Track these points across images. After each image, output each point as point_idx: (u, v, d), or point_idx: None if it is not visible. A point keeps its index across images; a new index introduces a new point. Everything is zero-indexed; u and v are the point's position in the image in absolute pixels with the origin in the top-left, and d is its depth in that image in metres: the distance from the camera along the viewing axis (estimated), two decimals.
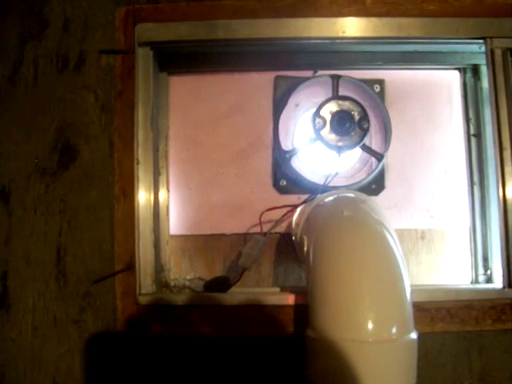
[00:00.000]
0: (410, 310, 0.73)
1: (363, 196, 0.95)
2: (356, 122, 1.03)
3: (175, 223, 1.12)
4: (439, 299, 0.96)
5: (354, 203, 0.91)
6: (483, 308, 0.95)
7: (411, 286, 0.75)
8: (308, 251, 0.84)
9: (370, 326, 0.69)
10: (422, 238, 1.12)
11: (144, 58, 1.02)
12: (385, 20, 1.00)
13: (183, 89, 1.14)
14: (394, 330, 0.70)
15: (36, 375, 0.98)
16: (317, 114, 1.04)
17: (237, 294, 0.98)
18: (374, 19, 1.00)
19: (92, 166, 1.01)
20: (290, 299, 0.96)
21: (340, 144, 1.03)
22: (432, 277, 1.11)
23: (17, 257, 1.00)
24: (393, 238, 0.80)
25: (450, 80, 1.15)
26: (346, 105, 1.04)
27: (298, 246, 0.98)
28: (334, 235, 0.81)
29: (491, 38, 1.00)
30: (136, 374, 0.97)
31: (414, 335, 0.72)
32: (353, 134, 1.03)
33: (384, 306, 0.71)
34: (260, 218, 1.05)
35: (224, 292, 1.00)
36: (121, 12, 1.02)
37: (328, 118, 1.04)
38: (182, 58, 1.11)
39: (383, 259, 0.76)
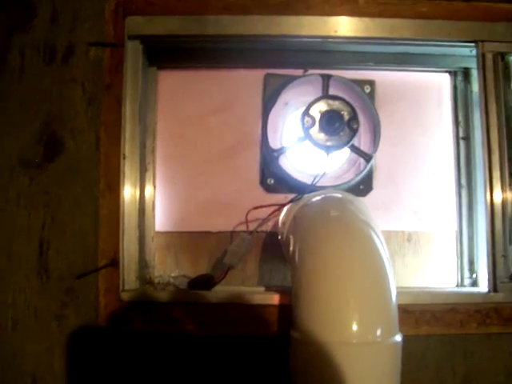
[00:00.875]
0: (395, 313, 0.73)
1: (350, 196, 0.95)
2: (345, 122, 1.03)
3: (161, 219, 1.11)
4: (424, 302, 0.95)
5: (341, 204, 0.91)
6: (468, 312, 0.95)
7: (397, 288, 0.75)
8: (294, 251, 0.84)
9: (355, 327, 0.68)
10: (409, 240, 1.12)
11: (133, 52, 1.01)
12: (377, 20, 1.00)
13: (172, 84, 1.13)
14: (378, 332, 0.69)
15: (16, 371, 0.96)
16: (306, 112, 1.03)
17: (221, 293, 0.97)
18: (366, 19, 1.00)
19: (77, 159, 1.00)
20: (274, 299, 0.95)
21: (329, 144, 1.03)
22: (418, 279, 1.11)
23: None
24: (379, 239, 0.79)
25: (440, 82, 1.15)
26: (336, 104, 1.03)
27: (284, 245, 0.98)
28: (320, 235, 0.80)
29: (483, 41, 1.00)
30: (117, 370, 0.96)
31: (398, 337, 0.71)
32: (342, 134, 1.03)
33: (369, 307, 0.71)
34: (246, 217, 1.04)
35: (208, 290, 0.99)
36: (111, 4, 1.01)
37: (317, 117, 1.03)
38: (171, 53, 1.10)
39: (369, 261, 0.75)
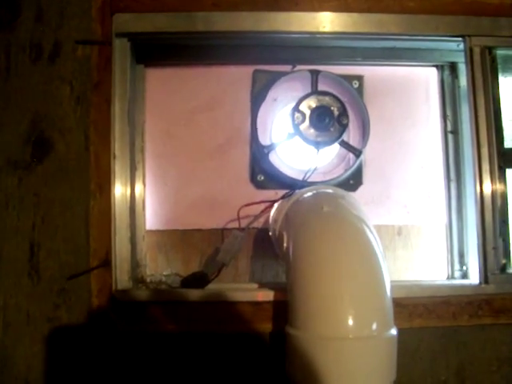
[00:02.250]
0: (390, 306, 0.73)
1: (342, 192, 0.95)
2: (335, 118, 1.03)
3: (151, 218, 1.10)
4: (417, 295, 0.96)
5: (334, 199, 0.91)
6: (460, 304, 0.96)
7: None
8: (287, 247, 0.84)
9: (351, 322, 0.69)
10: (399, 233, 1.13)
11: (121, 50, 1.00)
12: (365, 16, 1.00)
13: (160, 82, 1.13)
14: (374, 326, 0.70)
15: (8, 375, 0.95)
16: (296, 108, 1.03)
17: (215, 291, 0.96)
18: (354, 15, 1.00)
19: (67, 159, 0.98)
20: (268, 295, 0.95)
21: (319, 139, 1.03)
22: (408, 272, 1.12)
23: None
24: (372, 233, 0.80)
25: (427, 77, 1.16)
26: (326, 100, 1.03)
27: (276, 241, 0.98)
28: (314, 231, 0.81)
29: (470, 36, 1.01)
30: (112, 371, 0.95)
31: (394, 331, 0.72)
32: (332, 129, 1.03)
33: (364, 302, 0.71)
34: (238, 214, 1.04)
35: (202, 288, 0.99)
36: (97, 1, 0.99)
37: (307, 113, 1.03)
38: (159, 50, 1.10)
39: (363, 255, 0.76)
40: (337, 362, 0.69)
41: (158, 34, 1.00)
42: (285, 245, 0.86)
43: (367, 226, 0.81)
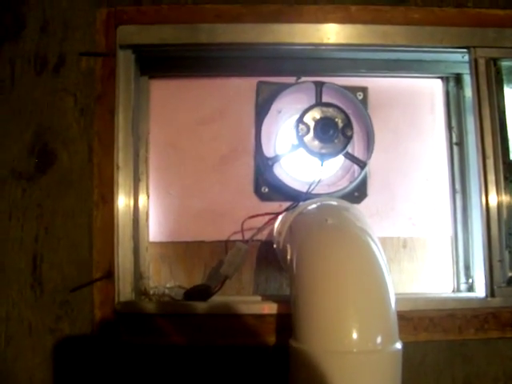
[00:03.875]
0: (394, 320, 0.72)
1: (346, 204, 0.95)
2: (340, 130, 1.02)
3: (155, 230, 1.10)
4: (422, 308, 0.96)
5: (338, 211, 0.91)
6: (466, 317, 0.95)
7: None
8: (291, 260, 0.83)
9: (355, 336, 0.68)
10: (404, 246, 1.12)
11: (125, 61, 1.00)
12: (370, 27, 1.00)
13: (164, 93, 1.12)
14: (378, 340, 0.69)
15: None
16: (300, 120, 1.03)
17: (218, 303, 0.96)
18: (358, 26, 1.00)
19: (70, 170, 0.99)
20: (272, 308, 0.94)
21: (323, 151, 1.02)
22: (414, 285, 1.11)
23: None
24: (377, 246, 0.79)
25: (432, 88, 1.15)
26: (330, 112, 1.03)
27: (280, 254, 0.97)
28: (318, 244, 0.80)
29: (475, 47, 1.00)
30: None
31: (398, 345, 0.71)
32: (336, 141, 1.02)
33: (369, 315, 0.71)
34: (242, 226, 1.03)
35: (204, 301, 0.98)
36: (102, 13, 1.00)
37: (311, 124, 1.03)
38: (163, 62, 1.10)
39: (368, 268, 0.75)
40: (341, 375, 0.68)
41: (162, 45, 1.01)
42: (289, 257, 0.86)
43: (372, 239, 0.80)
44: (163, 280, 1.09)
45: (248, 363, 0.95)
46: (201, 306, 0.95)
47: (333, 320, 0.70)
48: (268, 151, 1.10)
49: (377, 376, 0.69)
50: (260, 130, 1.09)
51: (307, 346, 0.71)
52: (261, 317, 0.94)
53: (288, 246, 0.89)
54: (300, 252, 0.81)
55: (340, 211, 0.90)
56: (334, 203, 0.95)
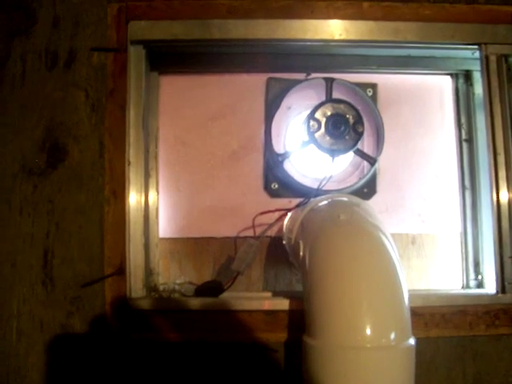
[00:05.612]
0: (408, 316, 0.72)
1: (357, 200, 0.95)
2: (351, 126, 1.02)
3: (164, 226, 1.10)
4: (433, 304, 0.96)
5: (350, 207, 0.90)
6: (477, 313, 0.95)
7: None
8: (304, 256, 0.83)
9: (369, 331, 0.68)
10: (413, 242, 1.12)
11: (136, 57, 1.00)
12: (381, 24, 1.00)
13: (174, 89, 1.12)
14: (392, 336, 0.69)
15: (20, 382, 0.94)
16: (311, 116, 1.02)
17: (230, 299, 0.96)
18: (370, 23, 1.00)
19: (81, 166, 0.98)
20: (284, 304, 0.94)
21: (334, 147, 1.02)
22: (422, 282, 1.11)
23: (1, 259, 0.97)
24: (389, 242, 0.79)
25: (442, 85, 1.16)
26: (341, 108, 1.03)
27: (291, 250, 0.97)
28: (331, 240, 0.80)
29: (486, 44, 1.01)
30: (126, 380, 0.95)
31: (412, 341, 0.71)
32: (347, 137, 1.02)
33: (382, 311, 0.70)
34: (253, 222, 1.03)
35: (216, 297, 0.99)
36: (113, 9, 1.00)
37: (323, 120, 1.03)
38: (173, 58, 1.10)
39: (381, 264, 0.75)
40: (354, 371, 0.68)
41: (173, 41, 1.01)
42: (301, 253, 0.85)
43: (384, 234, 0.80)
44: (172, 276, 1.09)
45: (259, 359, 0.95)
46: (212, 303, 0.96)
47: (347, 316, 0.70)
48: (278, 147, 1.10)
49: (390, 372, 0.69)
50: (270, 126, 1.09)
51: (321, 341, 0.71)
52: (272, 313, 0.95)
53: (300, 243, 0.88)
54: (313, 248, 0.81)
55: (352, 207, 0.90)
56: (345, 199, 0.95)
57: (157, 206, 1.08)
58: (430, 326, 0.94)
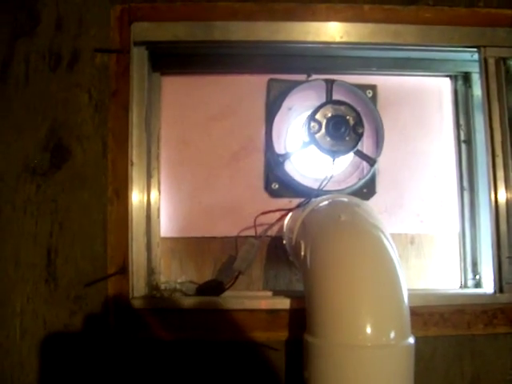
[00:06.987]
0: (407, 315, 0.73)
1: (357, 200, 0.95)
2: (351, 127, 1.03)
3: (166, 225, 1.10)
4: (432, 304, 0.97)
5: (350, 208, 0.91)
6: (475, 312, 0.97)
7: None
8: (305, 256, 0.84)
9: (369, 330, 0.69)
10: (412, 242, 1.13)
11: (139, 58, 1.01)
12: (382, 26, 1.01)
13: (176, 90, 1.13)
14: (392, 335, 0.70)
15: (24, 381, 0.95)
16: (312, 117, 1.03)
17: (231, 298, 0.97)
18: (370, 25, 1.01)
19: (85, 166, 0.99)
20: (284, 303, 0.96)
21: (334, 148, 1.03)
22: (421, 281, 1.12)
23: (5, 258, 0.98)
24: (389, 242, 0.80)
25: (441, 87, 1.16)
26: (341, 109, 1.03)
27: (291, 250, 0.98)
28: (332, 240, 0.81)
29: (485, 46, 1.02)
30: (128, 379, 0.96)
31: (411, 340, 0.72)
32: (348, 138, 1.03)
33: (383, 310, 0.71)
34: (255, 222, 1.04)
35: (217, 296, 0.99)
36: (116, 10, 1.01)
37: (323, 121, 1.03)
38: (175, 59, 1.10)
39: (381, 264, 0.76)
40: (355, 369, 0.69)
41: (176, 42, 1.01)
42: (302, 253, 0.86)
43: (384, 235, 0.81)
44: (173, 275, 1.09)
45: (261, 357, 0.96)
46: (215, 301, 0.96)
47: (347, 314, 0.71)
48: (278, 148, 1.11)
49: (390, 370, 0.70)
50: (271, 127, 1.10)
51: (322, 340, 0.72)
52: (273, 312, 0.96)
53: (301, 242, 0.89)
54: (314, 248, 0.82)
55: (352, 208, 0.91)
56: (346, 200, 0.96)
57: (158, 205, 1.09)
58: (429, 325, 0.96)
